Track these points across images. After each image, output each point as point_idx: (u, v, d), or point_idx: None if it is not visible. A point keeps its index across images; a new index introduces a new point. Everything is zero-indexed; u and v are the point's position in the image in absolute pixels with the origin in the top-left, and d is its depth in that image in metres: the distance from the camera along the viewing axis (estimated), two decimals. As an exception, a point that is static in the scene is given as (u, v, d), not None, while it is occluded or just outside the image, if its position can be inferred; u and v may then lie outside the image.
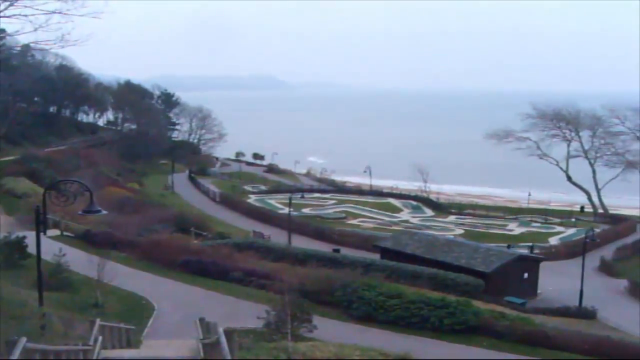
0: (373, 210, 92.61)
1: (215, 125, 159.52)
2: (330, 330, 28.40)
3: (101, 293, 31.10)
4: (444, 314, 31.33)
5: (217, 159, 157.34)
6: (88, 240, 45.37)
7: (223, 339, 17.22)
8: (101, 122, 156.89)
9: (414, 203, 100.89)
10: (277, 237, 63.17)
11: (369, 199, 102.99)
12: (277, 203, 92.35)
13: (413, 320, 31.57)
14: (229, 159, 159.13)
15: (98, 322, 19.69)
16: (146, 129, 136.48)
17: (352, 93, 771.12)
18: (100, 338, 18.95)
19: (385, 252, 52.86)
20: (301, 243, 61.01)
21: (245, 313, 29.65)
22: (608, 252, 65.91)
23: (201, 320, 22.46)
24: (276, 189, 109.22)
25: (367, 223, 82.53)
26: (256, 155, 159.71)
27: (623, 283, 54.22)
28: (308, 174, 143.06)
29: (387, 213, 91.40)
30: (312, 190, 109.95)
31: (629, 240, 73.63)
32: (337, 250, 55.61)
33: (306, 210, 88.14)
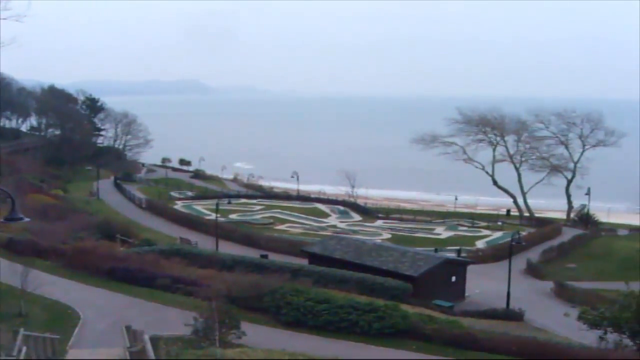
0: (300, 215, 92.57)
1: (140, 130, 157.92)
2: (259, 336, 28.26)
3: (25, 302, 30.50)
4: (372, 318, 31.45)
5: (143, 164, 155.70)
6: (11, 249, 44.25)
7: (149, 347, 17.06)
8: (24, 128, 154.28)
9: (342, 208, 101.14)
10: (204, 243, 62.69)
11: (296, 205, 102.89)
12: (204, 209, 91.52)
13: (342, 324, 31.61)
14: (155, 165, 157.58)
15: (22, 332, 19.31)
16: (71, 134, 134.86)
17: (275, 98, 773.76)
18: (24, 348, 18.56)
19: (313, 257, 52.77)
20: (229, 249, 60.67)
21: (173, 320, 29.39)
22: (534, 254, 66.98)
23: (128, 328, 22.20)
24: (203, 195, 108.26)
25: (295, 228, 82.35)
26: (182, 161, 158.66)
27: (549, 285, 55.30)
28: (235, 180, 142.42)
29: (315, 218, 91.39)
30: (239, 196, 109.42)
31: (555, 242, 74.78)
32: (265, 256, 55.43)
33: (233, 216, 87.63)
